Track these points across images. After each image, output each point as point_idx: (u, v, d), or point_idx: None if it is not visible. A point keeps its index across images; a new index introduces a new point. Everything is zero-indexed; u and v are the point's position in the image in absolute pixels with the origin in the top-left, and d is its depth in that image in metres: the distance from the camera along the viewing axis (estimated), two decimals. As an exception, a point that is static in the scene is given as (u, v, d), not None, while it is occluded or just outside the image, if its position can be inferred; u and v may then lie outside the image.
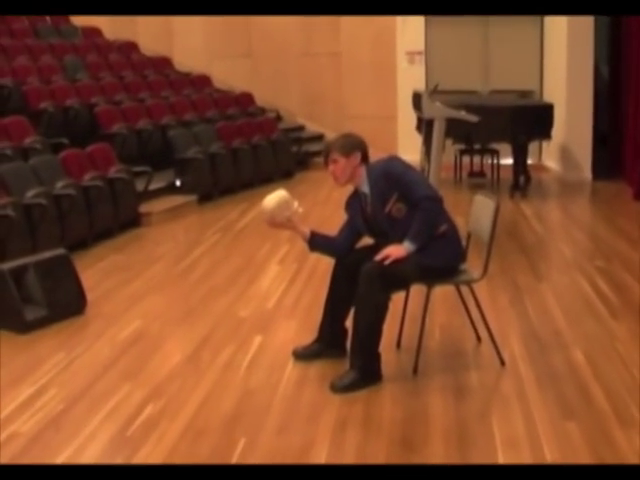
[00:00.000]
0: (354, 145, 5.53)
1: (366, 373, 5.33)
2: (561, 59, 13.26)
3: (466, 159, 13.32)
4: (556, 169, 13.96)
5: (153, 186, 11.21)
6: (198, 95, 14.69)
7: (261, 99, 15.91)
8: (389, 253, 5.28)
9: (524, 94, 14.48)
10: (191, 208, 11.47)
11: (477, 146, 13.01)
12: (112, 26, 16.51)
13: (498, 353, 5.64)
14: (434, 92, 9.99)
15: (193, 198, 11.69)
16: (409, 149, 14.36)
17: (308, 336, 6.00)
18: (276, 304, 7.19)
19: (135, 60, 15.54)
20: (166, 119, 12.87)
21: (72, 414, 5.12)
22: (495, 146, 12.86)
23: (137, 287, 7.84)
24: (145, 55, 16.14)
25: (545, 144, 13.96)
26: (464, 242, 5.77)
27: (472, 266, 5.75)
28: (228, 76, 16.50)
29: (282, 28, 16.10)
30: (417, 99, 9.99)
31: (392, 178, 5.39)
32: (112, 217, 9.92)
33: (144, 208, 10.70)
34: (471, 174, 13.38)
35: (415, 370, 5.52)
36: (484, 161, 13.32)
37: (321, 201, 11.43)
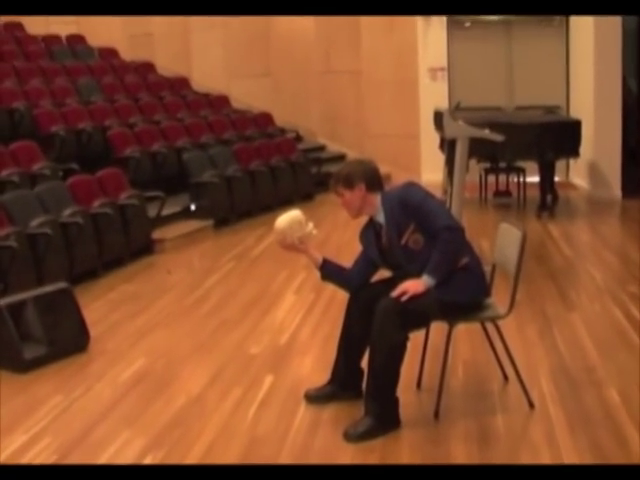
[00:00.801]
0: (356, 176, 5.11)
1: (383, 419, 4.91)
2: (588, 73, 12.83)
3: (491, 178, 12.91)
4: (584, 187, 13.52)
5: (167, 211, 10.87)
6: (215, 116, 14.33)
7: (281, 119, 15.56)
8: (407, 288, 4.88)
9: (550, 110, 14.03)
10: (206, 233, 11.11)
11: (502, 164, 12.60)
12: (129, 46, 16.26)
13: (526, 394, 5.21)
14: (456, 110, 9.59)
15: (209, 223, 11.33)
16: (432, 168, 14.04)
17: (323, 374, 5.60)
18: (290, 339, 6.78)
19: (151, 81, 15.23)
20: (181, 141, 12.52)
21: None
22: (521, 164, 12.44)
23: (145, 321, 7.46)
24: (162, 75, 15.83)
25: (572, 161, 13.52)
26: (488, 274, 5.34)
27: (497, 299, 5.33)
28: (247, 96, 16.16)
29: (302, 46, 15.76)
30: (439, 118, 9.58)
31: (409, 207, 4.99)
32: (123, 245, 9.56)
33: (157, 234, 10.35)
34: (497, 193, 12.98)
35: (436, 414, 5.10)
36: (510, 180, 12.92)
37: (341, 225, 10.97)
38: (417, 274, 4.95)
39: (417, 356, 5.56)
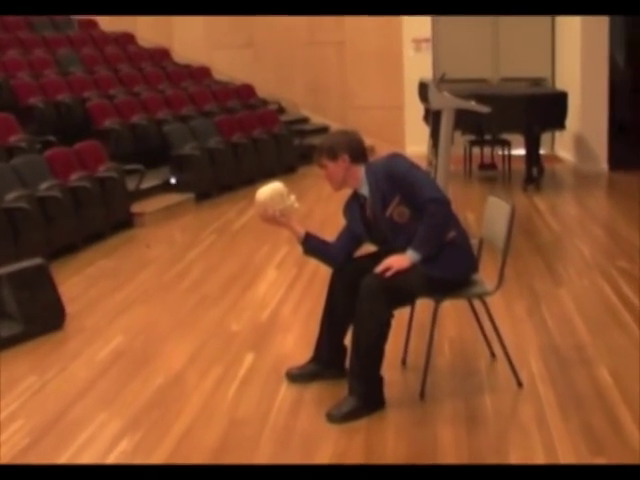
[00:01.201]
0: (340, 146, 4.92)
1: (367, 399, 4.74)
2: (575, 45, 12.64)
3: (476, 150, 12.73)
4: (570, 159, 13.36)
5: (148, 184, 10.66)
6: (196, 88, 14.10)
7: (263, 90, 15.34)
8: (391, 264, 4.71)
9: (536, 82, 13.87)
10: (187, 207, 10.90)
11: (488, 137, 12.42)
12: (110, 18, 15.90)
13: (515, 373, 5.05)
14: (441, 81, 9.38)
15: (190, 196, 11.13)
16: (417, 140, 13.89)
17: (305, 352, 5.44)
18: (271, 315, 6.61)
19: (132, 52, 14.99)
20: (162, 113, 12.30)
21: (37, 450, 4.55)
22: (506, 136, 12.27)
23: (123, 297, 7.27)
24: (143, 47, 15.58)
25: (558, 134, 13.35)
26: (475, 249, 5.18)
27: (485, 275, 5.17)
28: (229, 67, 15.94)
29: (285, 17, 15.47)
30: (423, 89, 9.39)
31: (394, 178, 4.80)
32: (102, 219, 9.36)
33: (137, 208, 10.14)
34: (482, 166, 12.80)
35: (422, 394, 4.93)
36: (495, 152, 12.76)
37: (325, 198, 10.80)
38: (403, 248, 4.78)
39: (402, 333, 5.41)
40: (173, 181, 11.20)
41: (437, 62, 14.70)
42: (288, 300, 6.98)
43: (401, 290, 4.72)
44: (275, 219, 5.06)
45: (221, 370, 5.51)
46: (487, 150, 12.75)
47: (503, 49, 14.61)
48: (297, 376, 5.26)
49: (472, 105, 8.72)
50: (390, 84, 15.08)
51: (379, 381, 4.79)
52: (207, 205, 11.14)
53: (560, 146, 14.01)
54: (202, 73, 15.20)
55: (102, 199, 9.33)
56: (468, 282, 4.96)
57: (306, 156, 13.76)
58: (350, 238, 5.10)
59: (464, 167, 12.63)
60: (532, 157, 11.45)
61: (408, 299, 4.93)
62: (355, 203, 5.05)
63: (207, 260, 8.39)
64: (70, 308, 6.76)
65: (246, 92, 14.86)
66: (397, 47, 14.91)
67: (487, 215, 5.27)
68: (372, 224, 4.96)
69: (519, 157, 12.05)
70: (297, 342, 5.97)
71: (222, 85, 14.92)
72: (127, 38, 15.60)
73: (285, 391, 5.14)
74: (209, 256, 8.55)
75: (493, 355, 5.45)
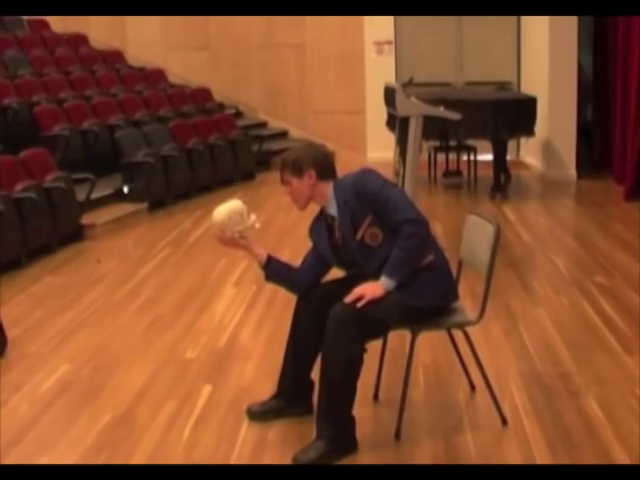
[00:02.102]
0: (306, 162, 4.44)
1: (337, 443, 4.26)
2: (542, 47, 12.23)
3: (441, 156, 12.33)
4: (537, 166, 13.00)
5: (98, 194, 10.11)
6: (150, 91, 13.55)
7: (220, 94, 14.86)
8: (363, 292, 4.25)
9: (502, 86, 13.48)
10: (140, 217, 10.38)
11: (453, 142, 12.03)
12: (61, 18, 15.30)
13: (498, 409, 4.60)
14: (408, 85, 8.99)
15: (143, 206, 10.60)
16: (379, 146, 13.55)
17: (267, 383, 5.02)
18: (230, 340, 6.11)
19: (84, 54, 14.40)
20: (114, 118, 11.75)
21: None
22: (472, 142, 11.88)
23: (71, 318, 6.73)
24: (95, 48, 15.00)
25: (524, 139, 12.97)
26: (454, 272, 4.72)
27: (463, 302, 4.73)
28: (185, 70, 15.41)
29: (242, 18, 14.95)
30: (390, 94, 8.96)
31: (365, 196, 4.34)
32: (49, 231, 8.80)
33: (88, 219, 9.59)
34: (447, 173, 12.42)
35: (397, 435, 4.47)
36: (460, 158, 12.37)
37: (285, 206, 10.27)
38: (375, 274, 4.34)
39: (374, 363, 4.94)
40: (126, 190, 10.67)
41: (400, 65, 14.27)
42: (247, 322, 6.50)
43: (374, 321, 4.26)
44: (234, 241, 4.57)
45: (175, 405, 5.01)
46: (452, 156, 12.35)
47: (467, 52, 14.21)
48: (259, 414, 4.77)
49: (442, 112, 8.32)
50: (351, 88, 14.63)
51: (350, 422, 4.32)
52: (161, 215, 10.62)
53: (526, 151, 13.64)
54: (157, 76, 14.66)
55: (49, 211, 8.78)
56: (447, 310, 4.51)
57: (264, 162, 13.34)
58: (317, 262, 4.62)
59: (428, 174, 12.22)
60: (500, 164, 11.05)
61: (381, 331, 4.46)
62: (322, 223, 4.58)
63: (161, 276, 7.89)
64: (13, 332, 6.25)
65: (202, 96, 14.36)
66: (359, 50, 14.46)
67: (467, 235, 4.81)
68: (341, 247, 4.50)
69: (484, 163, 11.68)
70: (258, 371, 5.49)
71: (177, 88, 14.39)
72: (79, 39, 15.01)
73: (246, 431, 4.65)
74: (163, 272, 8.05)
75: (472, 386, 5.01)
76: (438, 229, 8.89)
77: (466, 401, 4.94)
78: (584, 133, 12.64)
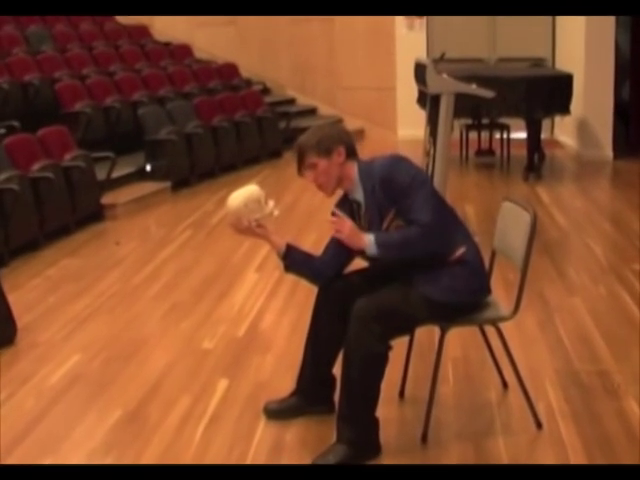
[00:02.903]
0: (332, 140, 4.13)
1: (359, 446, 3.97)
2: (578, 23, 11.81)
3: (473, 135, 11.97)
4: (572, 145, 12.60)
5: (120, 172, 9.85)
6: (175, 67, 13.25)
7: (247, 70, 14.53)
8: (345, 233, 4.04)
9: (536, 62, 13.08)
10: (163, 197, 10.10)
11: (485, 121, 11.66)
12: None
13: (533, 411, 4.28)
14: (440, 61, 8.63)
15: (166, 185, 10.31)
16: (409, 124, 13.22)
17: (287, 378, 4.74)
18: (249, 330, 5.83)
19: (109, 29, 14.13)
20: (137, 95, 11.46)
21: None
22: (505, 120, 11.51)
23: (85, 304, 6.47)
24: (121, 23, 14.72)
25: (558, 118, 12.58)
26: (487, 263, 4.39)
27: (495, 292, 4.41)
28: (212, 45, 15.11)
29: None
30: (420, 70, 8.58)
31: (392, 188, 3.99)
32: (68, 212, 8.55)
33: (109, 199, 9.34)
34: (479, 152, 12.06)
35: (424, 438, 4.17)
36: (493, 137, 12.00)
37: (312, 187, 9.99)
38: (398, 266, 4.04)
39: (400, 358, 4.63)
40: (149, 168, 10.39)
41: (431, 41, 13.90)
42: (269, 310, 6.22)
43: (400, 317, 3.97)
44: (251, 230, 4.27)
45: (189, 402, 4.74)
46: (484, 135, 11.99)
47: (500, 27, 13.80)
48: (277, 412, 4.48)
49: (474, 89, 7.95)
50: (381, 64, 14.27)
51: (373, 425, 4.02)
52: (184, 194, 10.34)
53: (560, 130, 13.24)
54: (183, 51, 14.36)
55: (68, 191, 8.52)
56: (479, 306, 4.19)
57: (292, 140, 12.92)
58: (339, 251, 4.27)
59: (460, 153, 11.86)
60: (534, 144, 10.68)
61: (408, 328, 4.16)
62: (346, 208, 4.26)
63: (180, 260, 7.62)
64: (26, 318, 6.06)
65: (229, 72, 14.04)
66: (389, 25, 14.07)
67: (501, 224, 4.48)
68: (365, 235, 4.18)
69: (518, 141, 11.32)
70: (278, 364, 5.20)
71: (203, 64, 14.08)
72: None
73: (263, 431, 4.37)
74: (183, 255, 7.78)
75: (505, 384, 4.70)
76: (469, 211, 8.57)
77: (498, 401, 4.63)
78: (620, 113, 12.24)
